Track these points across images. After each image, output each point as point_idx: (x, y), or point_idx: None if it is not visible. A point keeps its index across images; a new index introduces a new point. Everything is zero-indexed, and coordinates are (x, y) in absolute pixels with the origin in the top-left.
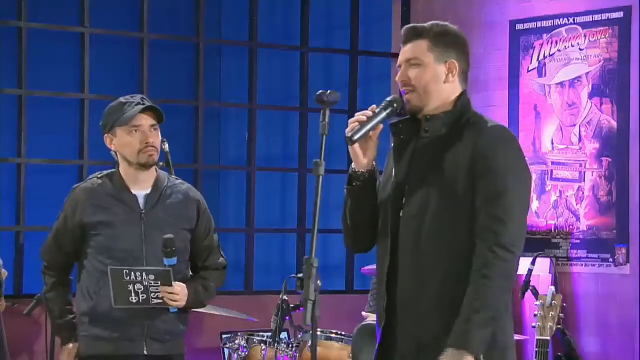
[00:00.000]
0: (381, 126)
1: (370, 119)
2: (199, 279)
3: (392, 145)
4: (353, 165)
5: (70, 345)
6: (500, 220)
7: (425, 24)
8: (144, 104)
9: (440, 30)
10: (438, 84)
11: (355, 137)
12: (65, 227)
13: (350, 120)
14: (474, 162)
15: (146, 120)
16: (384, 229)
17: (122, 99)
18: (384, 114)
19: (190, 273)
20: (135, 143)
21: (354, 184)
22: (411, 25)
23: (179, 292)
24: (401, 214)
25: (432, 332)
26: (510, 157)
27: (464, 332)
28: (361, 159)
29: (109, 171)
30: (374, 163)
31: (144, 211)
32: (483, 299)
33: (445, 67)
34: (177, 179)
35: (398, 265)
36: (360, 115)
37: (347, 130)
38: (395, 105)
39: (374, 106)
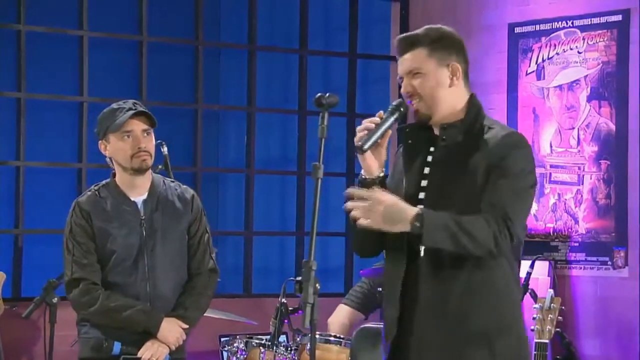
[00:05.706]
0: (390, 132)
1: (378, 126)
2: (179, 315)
3: (401, 150)
4: (362, 172)
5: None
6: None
7: (419, 31)
8: (135, 109)
9: (436, 35)
10: (444, 89)
11: (366, 146)
12: (86, 234)
13: (358, 129)
14: (490, 171)
15: (138, 125)
16: (398, 236)
17: (114, 105)
18: (391, 119)
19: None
20: (128, 148)
21: None
22: (404, 35)
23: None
24: None
25: (456, 342)
26: (520, 160)
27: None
28: (371, 167)
29: (105, 181)
30: (383, 169)
31: (143, 217)
32: (474, 228)
33: (448, 71)
34: (173, 181)
35: (413, 274)
36: (367, 123)
37: (356, 139)
38: (402, 109)
39: (381, 112)
